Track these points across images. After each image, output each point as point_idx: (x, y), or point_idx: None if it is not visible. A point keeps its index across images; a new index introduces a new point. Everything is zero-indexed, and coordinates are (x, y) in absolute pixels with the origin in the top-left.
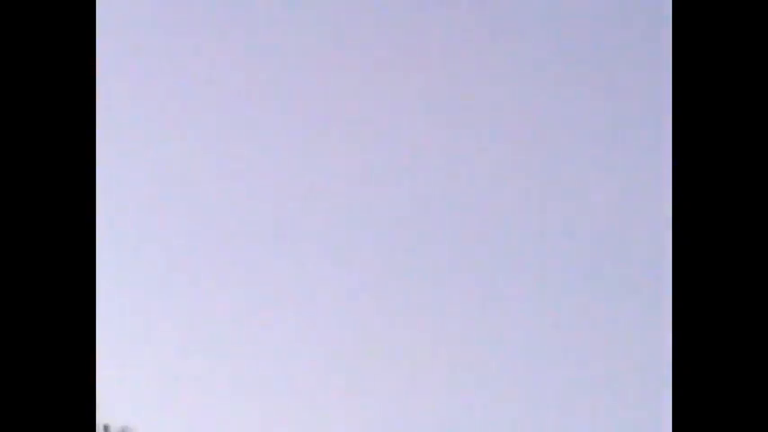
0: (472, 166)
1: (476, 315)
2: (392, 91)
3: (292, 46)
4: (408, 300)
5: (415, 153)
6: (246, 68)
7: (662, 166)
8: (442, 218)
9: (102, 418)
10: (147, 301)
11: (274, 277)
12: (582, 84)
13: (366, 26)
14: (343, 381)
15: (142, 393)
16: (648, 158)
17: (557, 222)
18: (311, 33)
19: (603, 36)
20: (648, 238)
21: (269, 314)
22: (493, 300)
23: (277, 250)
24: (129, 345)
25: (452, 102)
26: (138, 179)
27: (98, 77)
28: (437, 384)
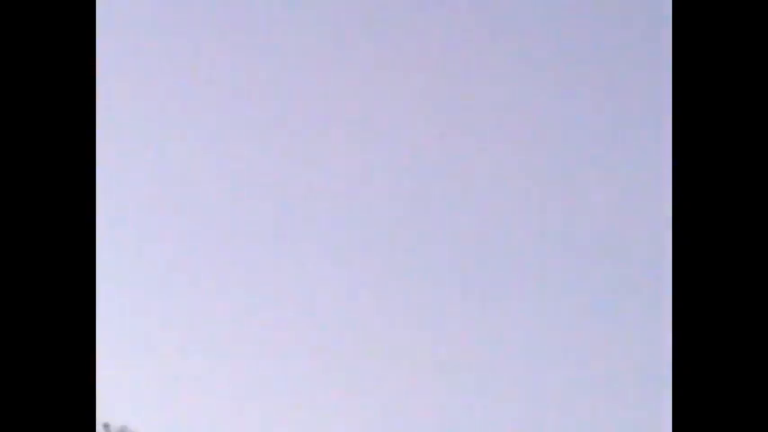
0: (472, 166)
1: (476, 315)
2: (392, 91)
3: (292, 46)
4: (408, 300)
5: (415, 153)
6: (246, 68)
7: (662, 166)
8: (441, 218)
9: (102, 417)
10: (147, 301)
11: (274, 277)
12: (582, 84)
13: (366, 26)
14: (343, 381)
15: (142, 393)
16: (648, 158)
17: (557, 222)
18: (311, 33)
19: (603, 36)
20: (648, 238)
21: (269, 314)
22: (493, 300)
23: (277, 250)
24: (129, 345)
25: (452, 102)
26: (138, 179)
27: (98, 77)
28: (437, 384)
